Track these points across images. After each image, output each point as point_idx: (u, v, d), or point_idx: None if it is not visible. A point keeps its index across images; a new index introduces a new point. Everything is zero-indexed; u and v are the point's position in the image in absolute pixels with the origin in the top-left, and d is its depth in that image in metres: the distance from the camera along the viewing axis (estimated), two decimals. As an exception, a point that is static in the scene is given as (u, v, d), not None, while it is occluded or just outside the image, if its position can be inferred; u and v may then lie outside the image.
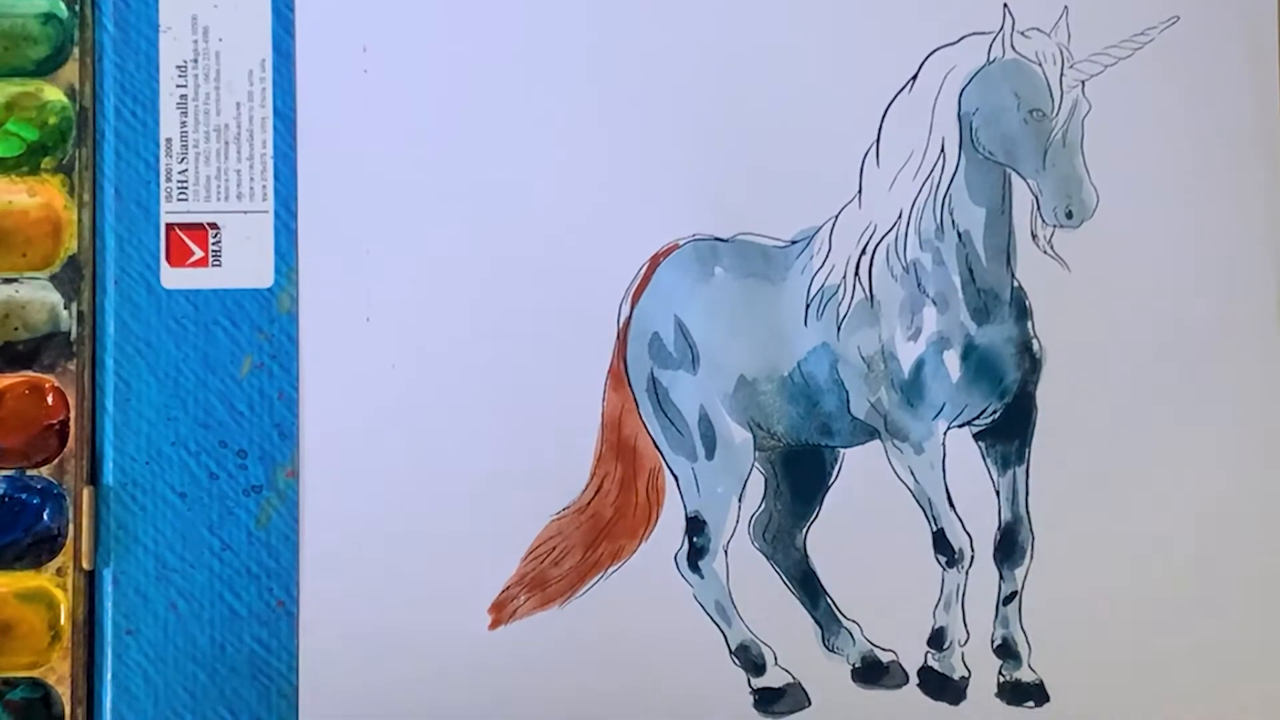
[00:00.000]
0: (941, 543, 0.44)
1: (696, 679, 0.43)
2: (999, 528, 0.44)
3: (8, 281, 0.44)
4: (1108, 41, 0.44)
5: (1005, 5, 0.44)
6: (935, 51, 0.44)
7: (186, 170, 0.44)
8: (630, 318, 0.44)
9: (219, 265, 0.43)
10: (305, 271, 0.43)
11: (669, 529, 0.44)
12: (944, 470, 0.44)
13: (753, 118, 0.44)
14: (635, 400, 0.44)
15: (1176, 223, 0.44)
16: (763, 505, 0.44)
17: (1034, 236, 0.44)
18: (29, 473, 0.43)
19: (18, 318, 0.44)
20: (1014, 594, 0.44)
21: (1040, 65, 0.44)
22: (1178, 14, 0.44)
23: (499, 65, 0.44)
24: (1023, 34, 0.44)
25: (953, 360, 0.44)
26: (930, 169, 0.44)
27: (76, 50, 0.44)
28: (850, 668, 0.44)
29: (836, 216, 0.44)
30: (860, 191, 0.44)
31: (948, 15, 0.44)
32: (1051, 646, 0.43)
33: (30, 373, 0.43)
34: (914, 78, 0.44)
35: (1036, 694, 0.43)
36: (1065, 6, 0.44)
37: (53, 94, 0.44)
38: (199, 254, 0.43)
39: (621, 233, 0.44)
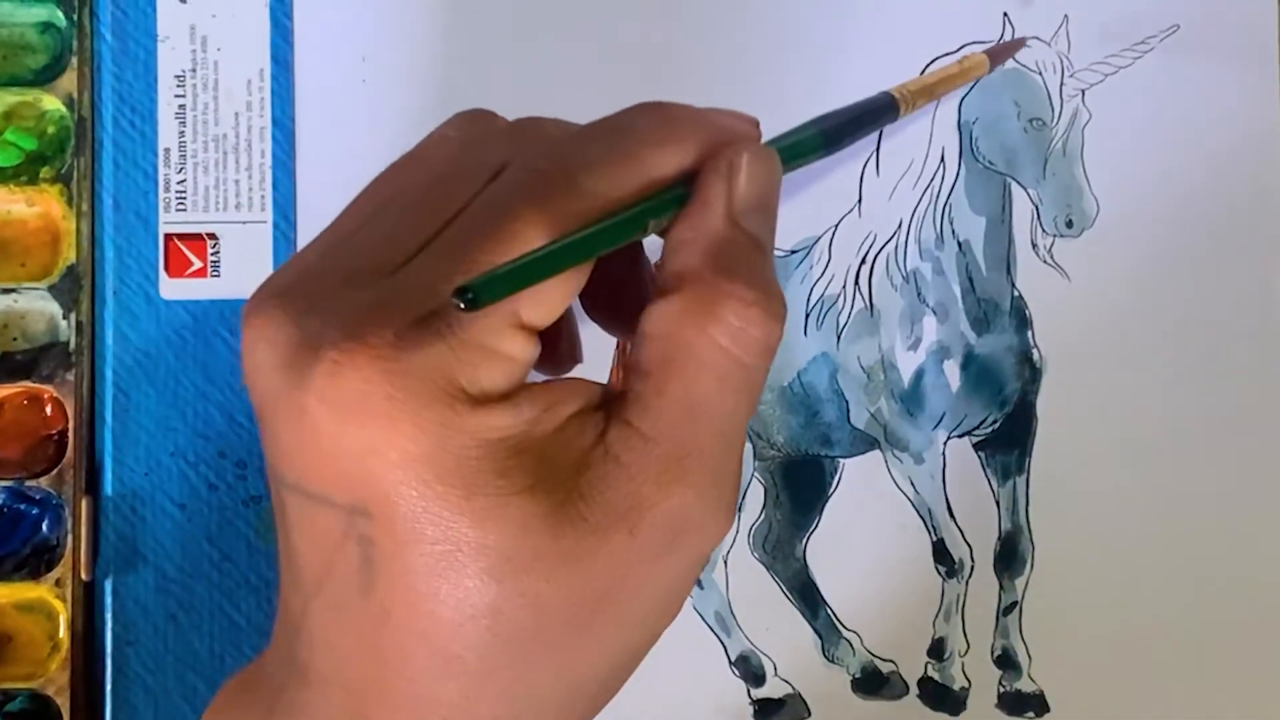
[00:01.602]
0: (941, 553, 0.44)
1: (696, 689, 0.43)
2: (999, 538, 0.44)
3: (6, 292, 0.44)
4: (1108, 50, 0.44)
5: (1005, 14, 0.44)
6: (935, 60, 0.44)
7: (185, 180, 0.44)
8: (630, 327, 0.44)
9: (218, 276, 0.43)
10: (304, 282, 0.43)
11: (669, 539, 0.44)
12: (944, 480, 0.44)
13: (752, 127, 0.44)
14: (635, 410, 0.44)
15: (1177, 232, 0.44)
16: (762, 515, 0.44)
17: (1034, 246, 0.44)
18: (27, 483, 0.43)
19: (16, 328, 0.44)
20: (1014, 604, 0.44)
21: (1040, 74, 0.44)
22: (1178, 23, 0.44)
23: (498, 74, 0.44)
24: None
25: (953, 370, 0.44)
26: (930, 178, 0.44)
27: (75, 60, 0.44)
28: (850, 678, 0.44)
29: (836, 226, 0.44)
30: (860, 201, 0.44)
31: (947, 24, 0.44)
32: (1052, 657, 0.43)
33: (29, 383, 0.43)
34: (914, 87, 0.44)
35: (1037, 704, 0.43)
36: (1065, 15, 0.44)
37: (51, 103, 0.44)
38: (198, 264, 0.43)
39: (621, 242, 0.44)
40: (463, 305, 0.23)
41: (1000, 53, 0.43)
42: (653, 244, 0.30)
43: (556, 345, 0.32)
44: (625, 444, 0.26)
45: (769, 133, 0.32)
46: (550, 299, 0.26)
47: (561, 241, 0.25)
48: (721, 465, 0.26)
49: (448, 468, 0.24)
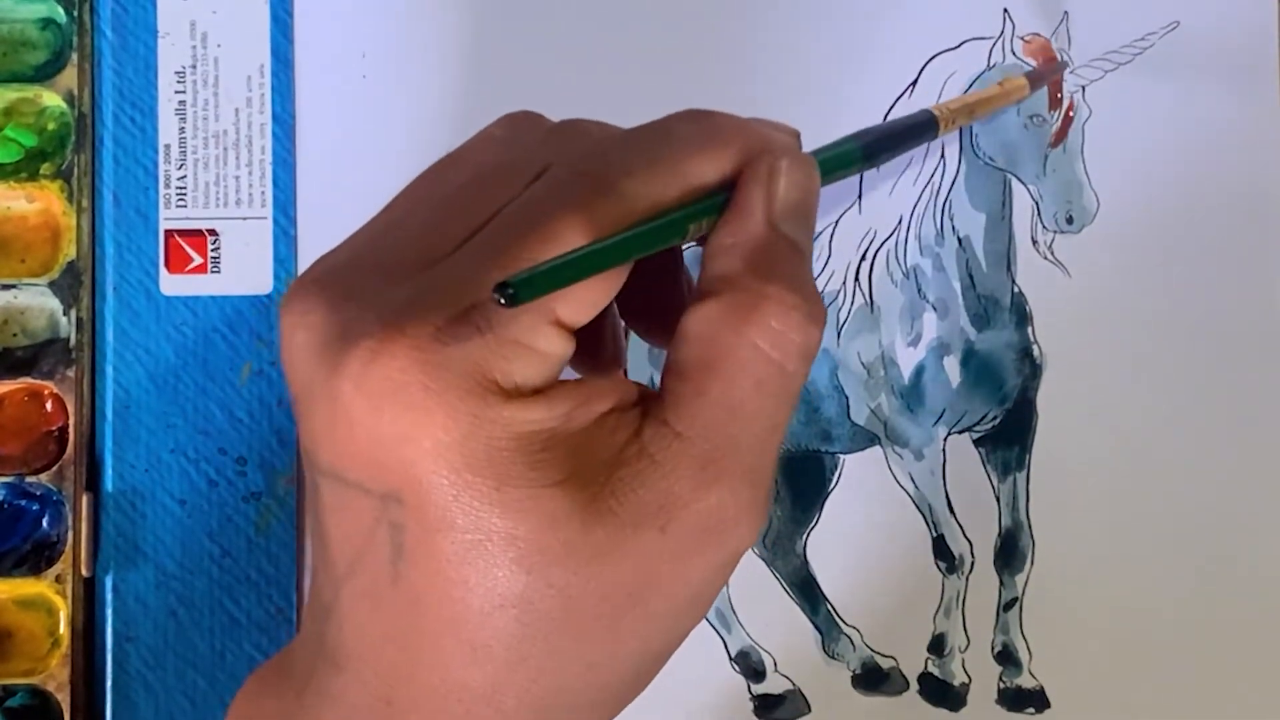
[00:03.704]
0: (942, 549, 0.44)
1: (696, 685, 0.43)
2: (999, 534, 0.44)
3: (6, 287, 0.44)
4: (1108, 47, 0.44)
5: (1005, 10, 0.44)
6: (935, 57, 0.44)
7: (185, 176, 0.44)
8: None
9: (218, 272, 0.43)
10: (304, 278, 0.43)
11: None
12: (944, 476, 0.44)
13: (752, 123, 0.44)
14: (635, 406, 0.44)
15: (1177, 228, 0.44)
16: (763, 511, 0.44)
17: (1034, 242, 0.44)
18: (28, 479, 0.43)
19: (16, 324, 0.44)
20: (1014, 600, 0.44)
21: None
22: (1178, 19, 0.44)
23: (498, 70, 0.44)
24: (1023, 39, 0.44)
25: (953, 366, 0.44)
26: (930, 174, 0.44)
27: (75, 56, 0.44)
28: (850, 674, 0.44)
29: (836, 222, 0.44)
30: (860, 197, 0.44)
31: (948, 20, 0.44)
32: (1052, 653, 0.43)
33: (29, 379, 0.43)
34: (914, 83, 0.44)
35: (1037, 700, 0.43)
36: (1065, 12, 0.44)
37: (51, 100, 0.44)
38: (198, 260, 0.43)
39: (621, 239, 0.44)
40: (503, 301, 0.24)
41: (1039, 77, 0.43)
42: (690, 257, 0.30)
43: (600, 349, 0.32)
44: (661, 442, 0.26)
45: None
46: (587, 299, 0.26)
47: (602, 243, 0.26)
48: (756, 467, 0.27)
49: (479, 458, 0.25)
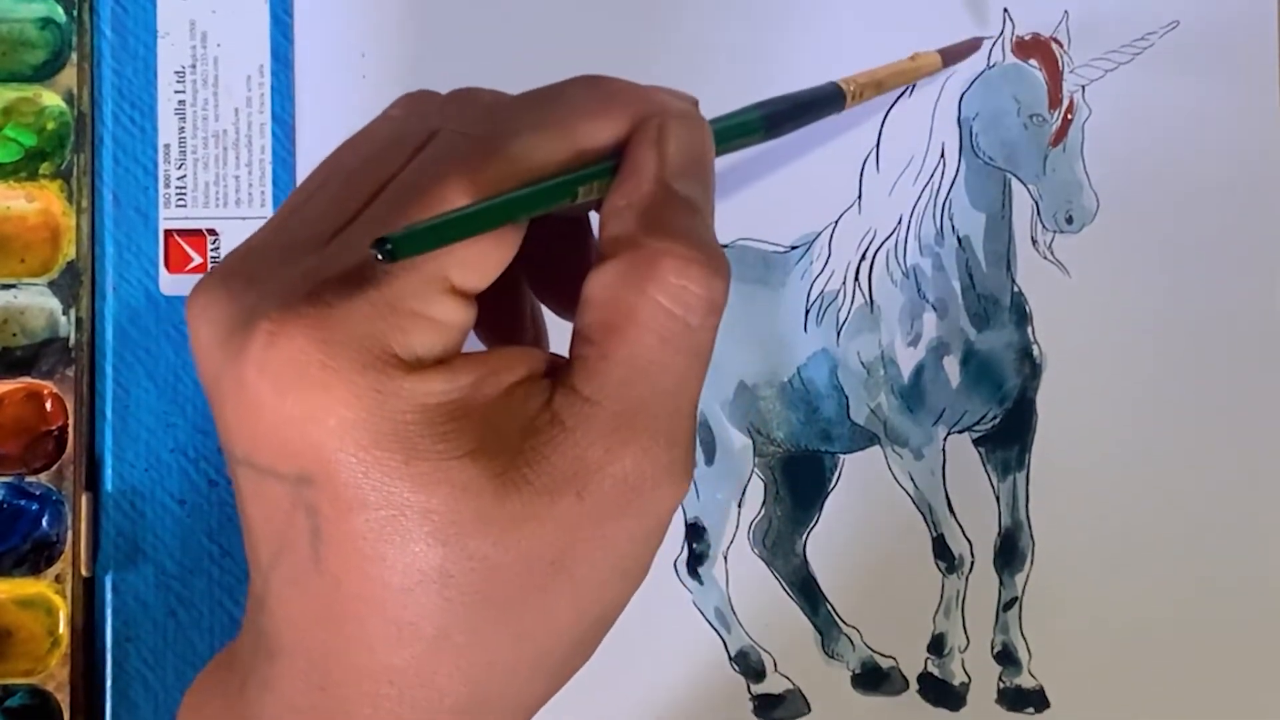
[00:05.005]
0: (941, 549, 0.44)
1: (696, 685, 0.43)
2: (999, 534, 0.44)
3: (6, 287, 0.44)
4: (1108, 46, 0.44)
5: (1005, 10, 0.44)
6: (935, 56, 0.44)
7: (185, 176, 0.44)
8: (630, 323, 0.44)
9: (218, 271, 0.43)
10: (304, 277, 0.43)
11: (668, 535, 0.43)
12: (944, 476, 0.44)
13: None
14: (635, 406, 0.44)
15: (1177, 228, 0.44)
16: (762, 511, 0.44)
17: (1034, 242, 0.44)
18: (27, 479, 0.43)
19: (16, 324, 0.44)
20: (1014, 600, 0.44)
21: (1040, 70, 0.44)
22: (1178, 19, 0.44)
23: (497, 70, 0.44)
24: (1023, 38, 0.44)
25: (952, 366, 0.44)
26: (930, 174, 0.44)
27: (75, 55, 0.44)
28: (850, 674, 0.44)
29: (836, 222, 0.44)
30: (860, 197, 0.44)
31: (948, 20, 0.44)
32: (1052, 652, 0.43)
33: (28, 379, 0.43)
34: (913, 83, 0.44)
35: (1037, 700, 0.43)
36: (1065, 11, 0.44)
37: (51, 99, 0.44)
38: (198, 260, 0.43)
39: (621, 238, 0.44)
40: (380, 256, 0.23)
41: (955, 53, 0.43)
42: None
43: (519, 331, 0.32)
44: (571, 408, 0.26)
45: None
46: (479, 263, 0.26)
47: (486, 202, 0.25)
48: (672, 427, 0.26)
49: (384, 433, 0.24)
